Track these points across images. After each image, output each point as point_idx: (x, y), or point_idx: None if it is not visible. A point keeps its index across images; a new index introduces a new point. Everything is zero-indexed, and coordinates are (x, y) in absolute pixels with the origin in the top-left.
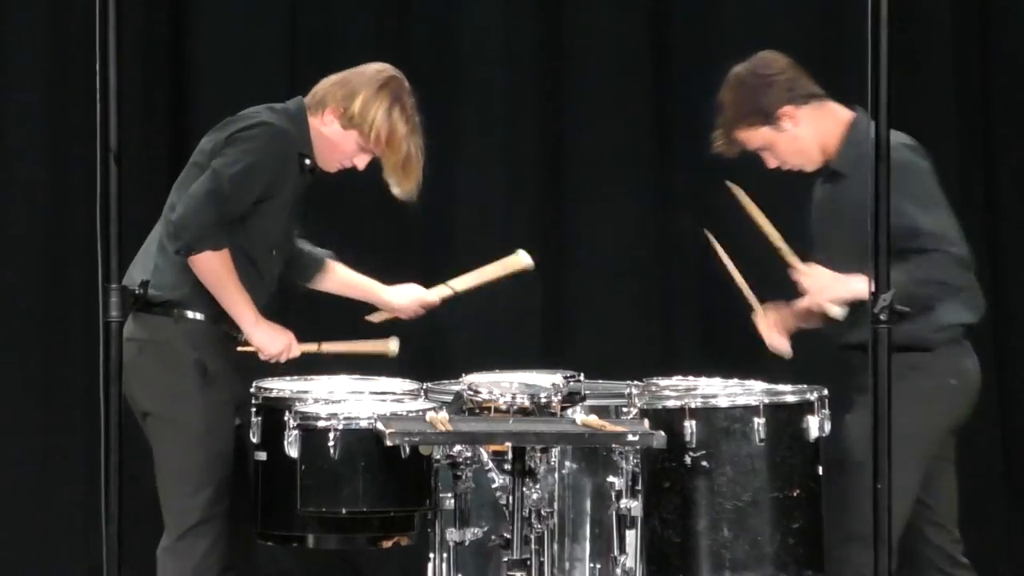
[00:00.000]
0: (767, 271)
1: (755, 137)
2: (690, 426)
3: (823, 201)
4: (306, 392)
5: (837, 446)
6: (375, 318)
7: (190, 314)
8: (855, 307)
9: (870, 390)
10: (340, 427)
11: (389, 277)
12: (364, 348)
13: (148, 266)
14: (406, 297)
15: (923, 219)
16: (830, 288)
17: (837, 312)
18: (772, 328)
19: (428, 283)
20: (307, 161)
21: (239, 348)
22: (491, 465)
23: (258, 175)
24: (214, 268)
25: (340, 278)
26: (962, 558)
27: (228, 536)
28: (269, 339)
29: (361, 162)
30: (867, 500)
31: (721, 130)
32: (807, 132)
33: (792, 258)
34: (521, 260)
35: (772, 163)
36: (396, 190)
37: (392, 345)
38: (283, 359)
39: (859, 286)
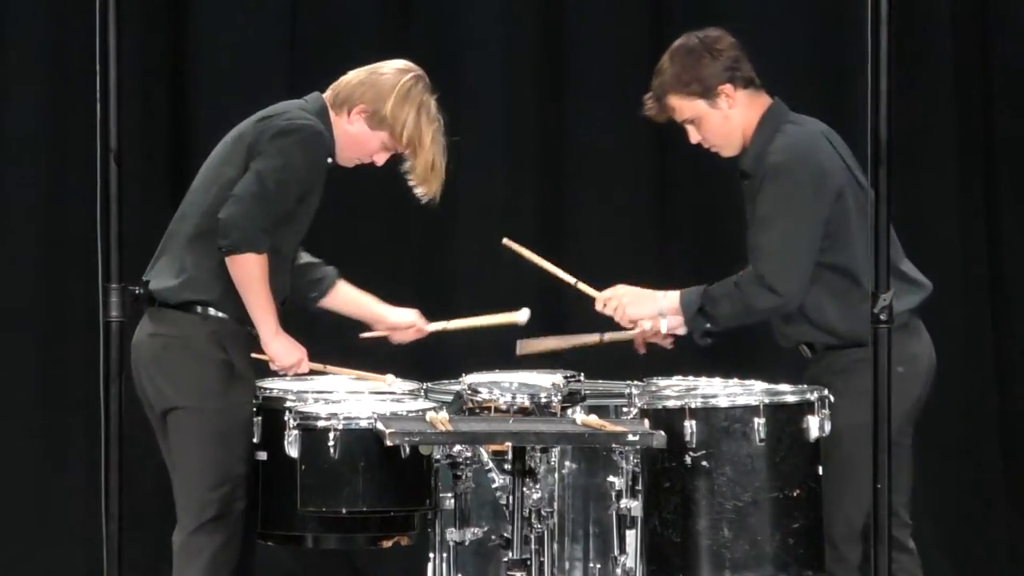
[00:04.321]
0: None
1: (688, 107)
2: (690, 426)
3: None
4: (306, 392)
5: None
6: (368, 336)
7: (218, 314)
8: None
9: (871, 390)
10: (340, 427)
11: (389, 277)
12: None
13: (174, 267)
14: (406, 320)
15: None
16: (633, 306)
17: (649, 326)
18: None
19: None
20: (329, 160)
21: (252, 355)
22: (491, 465)
23: (298, 176)
24: (250, 270)
25: (346, 296)
26: (909, 542)
27: (240, 538)
28: (285, 351)
29: (380, 159)
30: (857, 496)
31: (656, 93)
32: (737, 116)
33: (588, 290)
34: (519, 317)
35: (695, 138)
36: (420, 191)
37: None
38: (291, 373)
39: (666, 302)
